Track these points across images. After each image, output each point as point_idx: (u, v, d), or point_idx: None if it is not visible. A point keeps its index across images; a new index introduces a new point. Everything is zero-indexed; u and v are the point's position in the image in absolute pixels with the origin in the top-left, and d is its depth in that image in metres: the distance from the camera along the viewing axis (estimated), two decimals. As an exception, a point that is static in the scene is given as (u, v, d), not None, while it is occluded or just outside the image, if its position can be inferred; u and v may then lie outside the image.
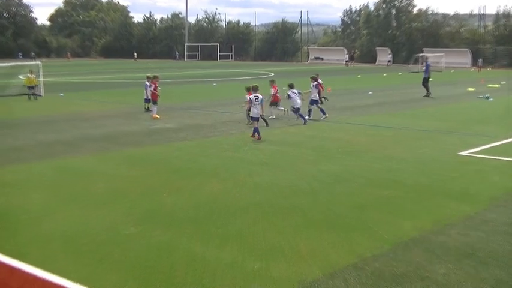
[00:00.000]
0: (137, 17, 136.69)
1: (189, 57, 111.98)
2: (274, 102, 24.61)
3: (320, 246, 8.75)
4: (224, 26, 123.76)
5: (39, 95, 34.10)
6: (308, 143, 18.09)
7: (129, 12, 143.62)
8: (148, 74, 28.06)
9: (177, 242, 8.94)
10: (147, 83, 26.43)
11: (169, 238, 9.13)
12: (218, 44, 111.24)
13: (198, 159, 15.69)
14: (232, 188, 12.34)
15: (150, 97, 25.75)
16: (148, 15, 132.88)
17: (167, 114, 25.43)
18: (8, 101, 32.49)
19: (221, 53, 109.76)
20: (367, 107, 28.53)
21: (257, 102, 19.52)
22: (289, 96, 23.07)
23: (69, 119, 24.55)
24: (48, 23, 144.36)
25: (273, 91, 24.46)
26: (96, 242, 8.98)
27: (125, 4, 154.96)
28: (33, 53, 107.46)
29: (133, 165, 14.87)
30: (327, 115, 24.12)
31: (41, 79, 36.15)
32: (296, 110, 22.95)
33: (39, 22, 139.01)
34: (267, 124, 21.41)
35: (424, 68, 37.47)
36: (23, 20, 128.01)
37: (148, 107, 26.68)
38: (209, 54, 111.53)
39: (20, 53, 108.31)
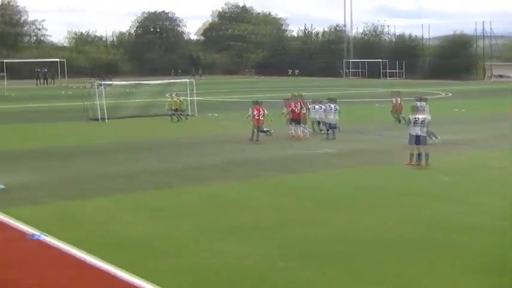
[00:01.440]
0: (294, 30, 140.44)
1: (351, 74, 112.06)
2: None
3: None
4: (390, 39, 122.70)
5: (191, 115, 35.79)
6: (476, 172, 17.69)
7: (282, 25, 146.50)
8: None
9: (326, 278, 9.21)
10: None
11: (318, 273, 9.42)
12: (383, 60, 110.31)
13: (355, 188, 15.87)
14: (387, 220, 12.41)
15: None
16: (305, 28, 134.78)
17: (327, 139, 25.71)
18: (152, 120, 34.34)
19: (387, 70, 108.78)
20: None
21: (416, 124, 18.69)
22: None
23: (219, 140, 25.68)
24: (198, 37, 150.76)
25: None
26: (241, 274, 9.47)
27: (282, 16, 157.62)
28: (179, 71, 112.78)
29: (285, 193, 15.35)
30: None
31: (194, 98, 37.89)
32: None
33: (189, 37, 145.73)
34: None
35: None
36: (173, 35, 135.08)
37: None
38: (373, 71, 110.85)
39: (175, 70, 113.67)
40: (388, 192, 15.45)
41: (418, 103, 22.62)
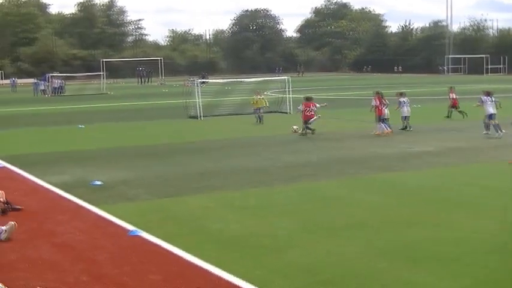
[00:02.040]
0: (393, 27, 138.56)
1: (452, 70, 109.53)
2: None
3: None
4: (493, 34, 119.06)
5: (285, 112, 35.82)
6: None
7: (382, 21, 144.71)
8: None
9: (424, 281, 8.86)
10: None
11: (415, 275, 9.07)
12: (486, 56, 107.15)
13: (457, 188, 15.32)
14: (492, 226, 11.83)
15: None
16: (404, 24, 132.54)
17: (423, 136, 25.35)
18: (248, 118, 34.40)
19: (490, 66, 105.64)
20: None
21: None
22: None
23: (314, 138, 25.50)
24: (296, 34, 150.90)
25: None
26: (345, 274, 9.22)
27: (380, 12, 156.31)
28: (280, 68, 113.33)
29: (383, 192, 14.99)
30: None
31: (290, 95, 37.86)
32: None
33: (286, 34, 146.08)
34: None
35: None
36: (271, 33, 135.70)
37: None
38: (475, 68, 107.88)
39: (277, 68, 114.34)
40: (497, 192, 14.82)
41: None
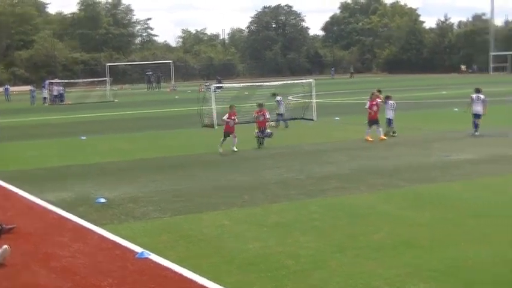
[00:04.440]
0: (429, 22, 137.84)
1: (495, 69, 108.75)
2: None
3: None
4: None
5: (311, 119, 35.73)
6: None
7: (418, 15, 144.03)
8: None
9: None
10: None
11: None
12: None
13: (506, 200, 15.18)
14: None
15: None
16: (442, 19, 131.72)
17: (460, 142, 25.34)
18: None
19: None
20: None
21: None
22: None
23: (344, 147, 25.40)
24: (321, 32, 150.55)
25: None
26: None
27: (414, 6, 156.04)
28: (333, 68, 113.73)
29: (423, 206, 14.85)
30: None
31: (314, 100, 37.80)
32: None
33: (311, 33, 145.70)
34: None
35: None
36: (293, 31, 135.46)
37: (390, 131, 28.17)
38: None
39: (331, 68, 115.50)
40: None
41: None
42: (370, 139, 26.62)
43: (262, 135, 26.29)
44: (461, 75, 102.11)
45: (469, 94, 28.89)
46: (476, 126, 27.08)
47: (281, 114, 33.99)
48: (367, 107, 27.64)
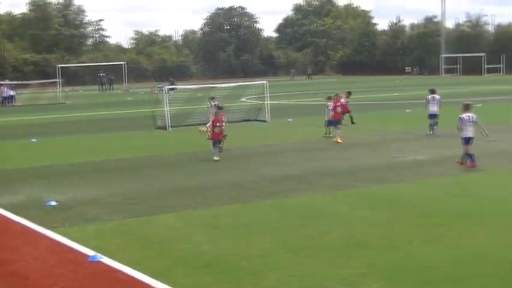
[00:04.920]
0: (382, 24, 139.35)
1: (446, 71, 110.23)
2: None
3: None
4: (489, 31, 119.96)
5: (264, 121, 35.85)
6: None
7: (371, 18, 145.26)
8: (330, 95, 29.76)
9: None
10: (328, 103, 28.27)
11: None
12: (483, 55, 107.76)
13: (457, 200, 15.40)
14: (503, 239, 11.88)
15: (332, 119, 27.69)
16: (394, 21, 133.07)
17: (415, 143, 25.63)
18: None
19: (488, 66, 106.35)
20: None
21: (470, 123, 19.94)
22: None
23: (299, 148, 25.53)
24: (275, 34, 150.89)
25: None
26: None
27: (367, 8, 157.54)
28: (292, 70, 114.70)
29: (377, 206, 15.00)
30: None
31: (267, 102, 37.89)
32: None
33: (264, 34, 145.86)
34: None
35: None
36: (247, 33, 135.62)
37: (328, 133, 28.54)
38: (472, 68, 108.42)
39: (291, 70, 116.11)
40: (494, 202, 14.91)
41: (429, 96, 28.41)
42: (339, 141, 26.46)
43: (220, 149, 23.90)
44: (405, 77, 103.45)
45: (421, 96, 29.31)
46: (431, 126, 27.73)
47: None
48: (330, 108, 27.69)
